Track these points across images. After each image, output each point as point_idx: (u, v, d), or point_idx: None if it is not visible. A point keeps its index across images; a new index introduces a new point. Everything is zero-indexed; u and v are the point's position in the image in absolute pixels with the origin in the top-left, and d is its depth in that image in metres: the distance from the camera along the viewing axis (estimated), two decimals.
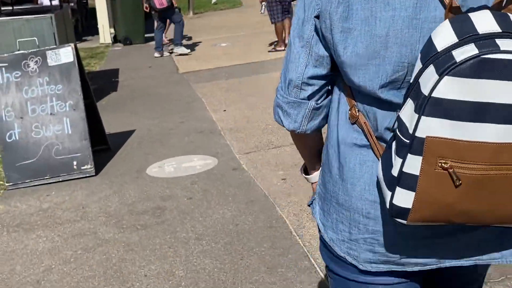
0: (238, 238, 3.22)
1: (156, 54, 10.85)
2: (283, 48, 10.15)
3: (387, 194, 1.05)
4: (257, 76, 8.13)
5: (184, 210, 3.67)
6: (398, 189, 1.02)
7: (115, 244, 3.32)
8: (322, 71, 1.22)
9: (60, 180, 4.45)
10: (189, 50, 10.86)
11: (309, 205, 1.41)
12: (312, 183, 1.44)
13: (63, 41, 6.71)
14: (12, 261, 3.25)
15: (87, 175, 4.49)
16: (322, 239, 1.33)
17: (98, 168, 4.62)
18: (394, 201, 1.03)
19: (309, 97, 1.24)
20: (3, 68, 4.53)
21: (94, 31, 13.49)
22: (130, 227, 3.51)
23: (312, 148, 1.39)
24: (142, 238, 3.35)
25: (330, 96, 1.28)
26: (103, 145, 5.11)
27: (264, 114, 5.94)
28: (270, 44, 10.33)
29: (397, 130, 1.02)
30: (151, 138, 5.47)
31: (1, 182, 4.60)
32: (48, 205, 4.03)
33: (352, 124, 1.19)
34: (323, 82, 1.24)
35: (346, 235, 1.23)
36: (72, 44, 4.62)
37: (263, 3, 11.01)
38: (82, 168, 4.49)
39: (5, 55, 4.59)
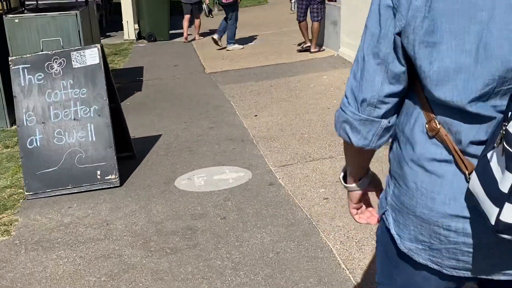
0: (280, 269, 2.87)
1: (229, 48, 10.72)
2: (308, 44, 9.76)
3: (492, 210, 1.03)
4: (288, 79, 7.76)
5: (217, 232, 3.34)
6: (507, 205, 1.01)
7: (142, 270, 2.99)
8: (398, 88, 1.21)
9: (83, 190, 4.16)
10: (242, 47, 10.82)
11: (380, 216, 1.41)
12: (351, 191, 1.45)
13: (88, 39, 6.43)
14: (30, 286, 2.95)
15: (111, 186, 4.18)
16: (397, 248, 1.33)
17: (123, 177, 4.31)
18: (502, 217, 1.02)
19: (383, 116, 1.24)
20: (26, 69, 4.25)
21: (118, 26, 13.25)
22: (158, 251, 3.19)
23: (366, 160, 1.40)
24: (172, 264, 3.02)
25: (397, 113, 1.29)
26: (128, 152, 4.80)
27: (298, 122, 5.58)
28: (299, 44, 9.95)
29: (504, 143, 1.01)
30: (178, 145, 5.15)
31: (20, 190, 4.33)
32: (70, 219, 3.73)
33: (431, 138, 1.18)
34: (397, 99, 1.23)
35: (427, 245, 1.24)
36: (98, 45, 4.31)
37: (293, 0, 10.64)
38: (106, 178, 4.18)
39: (28, 55, 4.30)
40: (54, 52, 4.30)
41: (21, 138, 4.21)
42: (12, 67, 4.25)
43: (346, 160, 1.43)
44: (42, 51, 4.33)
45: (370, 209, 1.50)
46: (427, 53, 1.11)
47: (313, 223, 3.32)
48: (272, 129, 5.42)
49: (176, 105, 6.82)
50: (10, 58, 4.26)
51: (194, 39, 12.20)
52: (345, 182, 1.46)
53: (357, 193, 1.44)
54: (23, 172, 4.21)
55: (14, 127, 6.41)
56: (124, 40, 12.30)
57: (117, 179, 4.19)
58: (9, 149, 5.62)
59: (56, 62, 4.27)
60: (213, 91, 7.44)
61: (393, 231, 1.31)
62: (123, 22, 12.47)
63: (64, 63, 4.28)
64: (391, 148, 1.33)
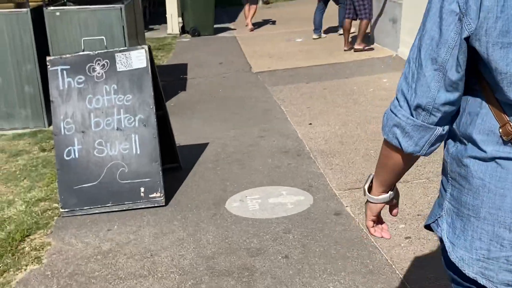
0: None
1: (314, 36, 10.53)
2: (346, 48, 9.17)
3: None
4: (342, 81, 7.19)
5: (280, 276, 2.83)
6: None
7: None
8: (455, 95, 1.18)
9: (124, 209, 3.72)
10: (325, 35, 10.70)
11: (426, 226, 1.37)
12: (373, 203, 1.43)
13: (132, 35, 6.01)
14: None
15: (156, 205, 3.73)
16: (446, 260, 1.28)
17: (168, 194, 3.86)
18: None
19: (438, 123, 1.21)
20: (65, 71, 3.83)
21: (162, 19, 12.88)
22: None
23: (405, 170, 1.34)
24: None
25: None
26: (173, 163, 4.35)
27: (360, 134, 5.02)
28: (350, 42, 9.33)
29: None
30: (228, 156, 4.67)
31: (56, 205, 3.93)
32: (109, 246, 3.29)
33: (505, 143, 1.14)
34: (454, 107, 1.20)
35: (483, 253, 1.18)
36: (146, 46, 3.85)
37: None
38: (151, 196, 3.73)
39: (68, 55, 3.87)
40: (97, 52, 3.86)
41: (58, 148, 3.80)
42: (50, 68, 3.83)
43: (379, 169, 1.37)
44: (83, 51, 3.90)
45: (383, 224, 1.52)
46: (502, 54, 1.08)
47: (397, 271, 2.78)
48: (331, 142, 4.88)
49: (222, 108, 6.34)
50: (48, 58, 3.85)
51: (246, 25, 12.05)
52: (369, 193, 1.43)
53: (380, 206, 1.43)
54: (59, 186, 3.80)
55: (52, 127, 6.08)
56: (168, 34, 11.91)
57: (162, 198, 3.74)
58: (45, 153, 5.25)
59: (98, 64, 3.83)
60: (261, 93, 6.94)
61: (445, 238, 1.26)
62: (167, 15, 12.08)
63: (107, 66, 3.84)
64: (447, 149, 1.28)
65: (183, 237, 3.32)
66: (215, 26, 12.17)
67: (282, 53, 9.67)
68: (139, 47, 3.85)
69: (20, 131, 6.08)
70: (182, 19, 12.26)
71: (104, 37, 4.69)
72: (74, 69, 3.84)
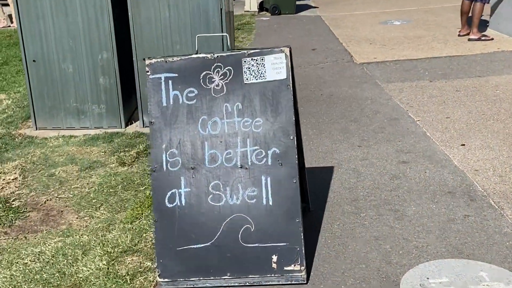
0: None
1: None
2: (465, 33, 7.73)
3: None
4: (476, 81, 5.80)
5: None
6: None
7: None
8: None
9: (248, 284, 2.59)
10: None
11: None
12: None
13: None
14: None
15: (294, 282, 2.59)
16: None
17: (306, 259, 2.71)
18: None
19: None
20: (171, 81, 2.69)
21: None
22: None
23: None
24: None
25: None
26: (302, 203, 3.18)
27: None
28: (467, 28, 7.83)
29: None
30: (369, 194, 3.47)
31: (148, 264, 2.85)
32: None
33: None
34: None
35: None
36: (287, 49, 2.65)
37: None
38: (286, 269, 2.58)
39: (176, 58, 2.72)
40: (216, 56, 2.68)
41: (157, 189, 2.69)
42: (151, 76, 2.70)
43: None
44: (197, 53, 2.74)
45: None
46: None
47: None
48: (509, 177, 3.59)
49: (334, 111, 5.11)
50: (148, 62, 2.71)
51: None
52: None
53: None
54: (156, 245, 2.69)
55: (131, 129, 4.97)
56: (245, 11, 10.70)
57: (303, 272, 2.58)
58: (125, 168, 4.19)
59: (218, 72, 2.67)
60: (375, 93, 5.66)
61: None
62: None
63: (230, 75, 2.67)
64: None
65: None
66: (298, 2, 10.90)
67: (383, 39, 8.29)
68: (276, 49, 2.66)
69: (92, 132, 5.07)
70: None
71: (227, 34, 3.49)
72: (183, 79, 2.69)
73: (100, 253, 3.07)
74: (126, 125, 5.15)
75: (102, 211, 3.64)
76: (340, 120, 4.91)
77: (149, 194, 3.77)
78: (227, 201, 2.64)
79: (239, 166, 2.65)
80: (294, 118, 2.64)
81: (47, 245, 3.26)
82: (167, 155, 2.69)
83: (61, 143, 4.82)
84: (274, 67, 2.65)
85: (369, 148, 4.22)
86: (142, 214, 3.50)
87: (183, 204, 2.66)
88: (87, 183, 4.04)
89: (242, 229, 2.62)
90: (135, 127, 5.13)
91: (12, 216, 3.62)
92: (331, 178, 3.74)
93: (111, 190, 3.90)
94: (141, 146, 4.53)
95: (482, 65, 6.40)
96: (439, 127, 4.60)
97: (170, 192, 2.68)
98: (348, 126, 4.75)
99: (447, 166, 3.82)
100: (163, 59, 2.71)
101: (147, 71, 2.71)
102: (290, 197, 2.61)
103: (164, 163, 2.69)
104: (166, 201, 2.68)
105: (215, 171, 2.66)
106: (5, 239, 3.38)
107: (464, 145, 4.18)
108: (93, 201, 3.79)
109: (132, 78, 5.03)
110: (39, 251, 3.19)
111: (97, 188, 3.95)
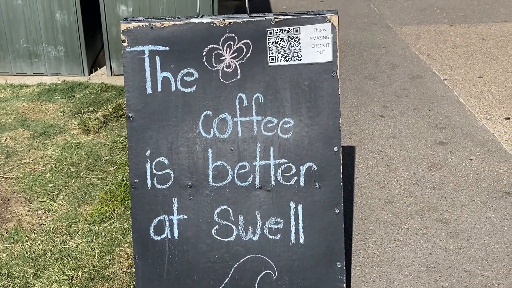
0: None
1: None
2: None
3: None
4: (503, 26, 4.96)
5: None
6: None
7: None
8: None
9: None
10: None
11: None
12: None
13: None
14: None
15: None
16: None
17: None
18: None
19: None
20: (158, 58, 1.80)
21: None
22: None
23: None
24: None
25: None
26: None
27: None
28: None
29: None
30: (406, 191, 2.72)
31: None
32: None
33: None
34: None
35: None
36: (335, 16, 1.78)
37: None
38: None
39: (166, 22, 1.80)
40: (228, 22, 1.79)
41: (138, 214, 1.87)
42: (129, 48, 1.80)
43: None
44: (199, 15, 1.83)
45: None
46: None
47: None
48: None
49: (342, 63, 4.26)
50: (124, 26, 1.79)
51: None
52: None
53: None
54: None
55: (96, 78, 3.93)
56: None
57: None
58: (89, 138, 3.31)
59: (230, 47, 1.79)
60: (389, 39, 4.80)
61: None
62: None
63: (247, 52, 1.79)
64: None
65: None
66: None
67: None
68: (317, 15, 1.77)
69: (47, 80, 4.11)
70: None
71: None
72: (178, 54, 1.80)
73: (58, 277, 2.29)
74: (90, 72, 4.20)
75: (60, 202, 2.82)
76: (352, 76, 4.08)
77: (122, 179, 2.94)
78: (239, 236, 1.85)
79: (258, 187, 1.84)
80: (339, 121, 1.81)
81: None
82: (153, 166, 1.85)
83: (9, 96, 3.87)
84: (314, 44, 1.78)
85: (394, 119, 3.45)
86: (114, 211, 2.70)
87: (176, 237, 1.87)
88: (41, 158, 3.17)
89: (261, 276, 1.85)
90: (101, 75, 4.18)
91: None
92: (354, 164, 2.98)
93: (72, 170, 3.05)
94: (109, 106, 3.63)
95: (506, 7, 5.56)
96: (473, 90, 3.83)
97: (157, 220, 1.87)
98: (363, 85, 3.93)
99: (496, 150, 3.09)
100: (147, 24, 1.80)
101: (123, 41, 1.81)
102: (330, 233, 1.84)
103: (149, 178, 1.85)
104: (151, 231, 1.87)
105: (222, 192, 1.85)
106: None
107: (508, 118, 3.45)
108: (49, 185, 2.94)
109: (96, 13, 4.03)
110: None
111: (54, 166, 3.09)
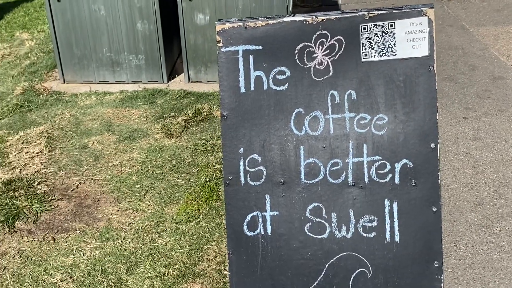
0: None
1: None
2: None
3: None
4: None
5: None
6: None
7: None
8: None
9: None
10: None
11: None
12: None
13: None
14: None
15: None
16: None
17: None
18: None
19: None
20: (251, 57, 1.84)
21: None
22: None
23: None
24: None
25: None
26: None
27: None
28: None
29: None
30: (496, 193, 2.63)
31: None
32: None
33: None
34: None
35: None
36: (431, 10, 1.75)
37: None
38: None
39: (259, 23, 1.84)
40: (321, 19, 1.80)
41: (232, 210, 1.91)
42: (224, 49, 1.85)
43: None
44: (292, 13, 1.86)
45: None
46: None
47: None
48: None
49: None
50: (219, 27, 1.85)
51: None
52: None
53: None
54: None
55: (174, 85, 4.05)
56: None
57: None
58: (172, 141, 3.42)
59: (322, 44, 1.80)
60: (465, 40, 4.66)
61: None
62: None
63: (339, 49, 1.80)
64: None
65: None
66: None
67: None
68: (413, 10, 1.76)
69: (129, 87, 4.28)
70: None
71: None
72: (270, 53, 1.83)
73: (150, 273, 2.37)
74: (168, 80, 4.33)
75: (147, 202, 2.92)
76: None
77: (205, 180, 3.01)
78: (332, 233, 1.85)
79: (351, 184, 1.84)
80: (437, 117, 1.78)
81: (81, 253, 2.57)
82: (246, 163, 1.88)
83: (94, 103, 4.05)
84: (410, 38, 1.76)
85: (478, 121, 3.34)
86: (199, 210, 2.76)
87: (269, 234, 1.89)
88: (127, 160, 3.30)
89: (355, 274, 1.84)
90: (179, 82, 4.31)
91: (37, 207, 2.92)
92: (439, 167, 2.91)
93: (157, 172, 3.15)
94: (189, 111, 3.73)
95: None
96: None
97: (250, 216, 1.90)
98: (443, 86, 3.84)
99: None
100: (241, 24, 1.84)
101: (218, 41, 1.86)
102: (427, 231, 1.80)
103: (242, 174, 1.89)
104: (245, 227, 1.90)
105: (314, 189, 1.86)
106: (29, 241, 2.70)
107: None
108: (136, 186, 3.06)
109: (173, 22, 4.16)
110: (71, 264, 2.50)
111: (139, 168, 3.21)
